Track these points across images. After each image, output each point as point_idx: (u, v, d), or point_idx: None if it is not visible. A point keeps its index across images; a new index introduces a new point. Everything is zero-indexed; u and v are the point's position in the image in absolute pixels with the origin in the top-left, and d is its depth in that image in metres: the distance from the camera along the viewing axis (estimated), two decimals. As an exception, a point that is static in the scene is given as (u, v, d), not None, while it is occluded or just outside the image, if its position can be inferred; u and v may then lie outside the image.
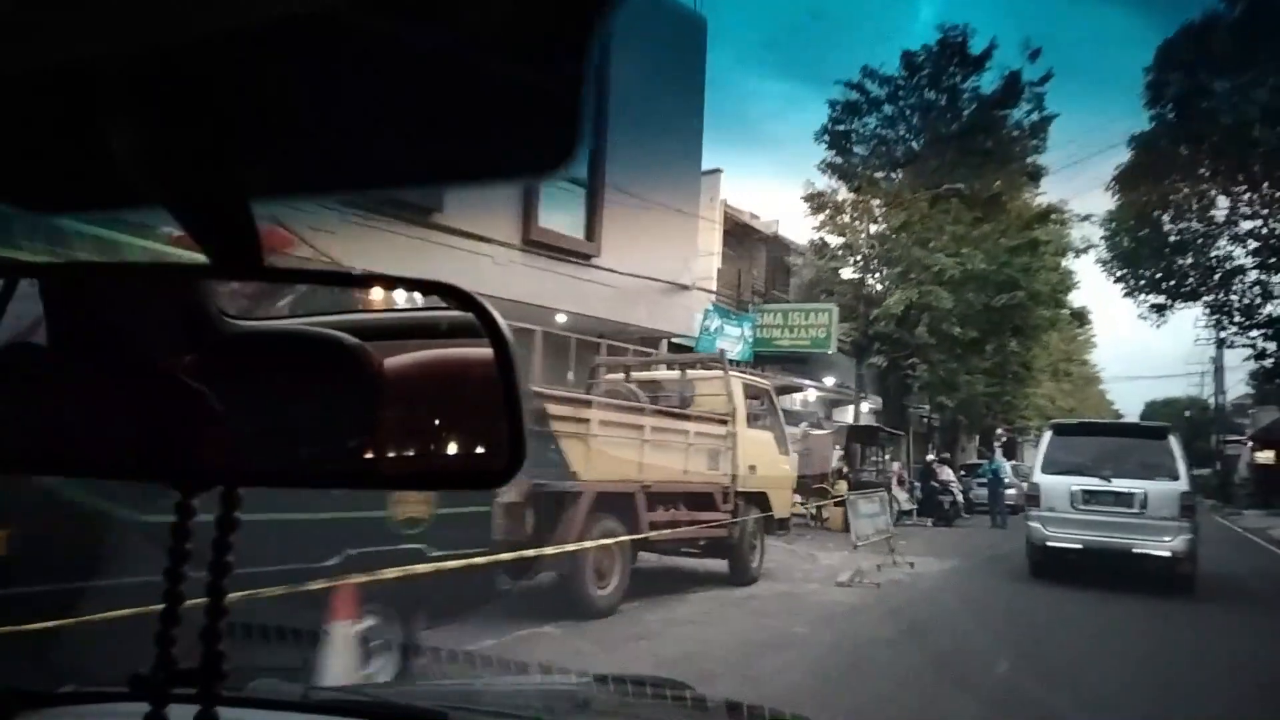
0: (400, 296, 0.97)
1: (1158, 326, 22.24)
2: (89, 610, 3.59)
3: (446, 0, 0.62)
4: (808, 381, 26.66)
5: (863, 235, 25.60)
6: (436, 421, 0.85)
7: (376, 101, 0.69)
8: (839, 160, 26.43)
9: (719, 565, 11.25)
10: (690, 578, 11.18)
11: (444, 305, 0.87)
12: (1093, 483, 11.49)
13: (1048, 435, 12.85)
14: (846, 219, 25.78)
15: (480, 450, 0.84)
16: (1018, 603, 10.79)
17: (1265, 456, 38.03)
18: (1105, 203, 27.71)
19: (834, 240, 26.22)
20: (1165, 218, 24.04)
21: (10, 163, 0.76)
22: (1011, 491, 26.70)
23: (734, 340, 20.75)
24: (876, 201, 25.63)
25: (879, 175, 26.25)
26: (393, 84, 0.66)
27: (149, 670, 0.81)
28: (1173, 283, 24.64)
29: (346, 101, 0.69)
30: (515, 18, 0.62)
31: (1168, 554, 10.85)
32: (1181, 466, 11.36)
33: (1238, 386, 50.42)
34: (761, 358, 22.83)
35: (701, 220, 18.83)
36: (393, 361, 0.83)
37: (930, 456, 26.57)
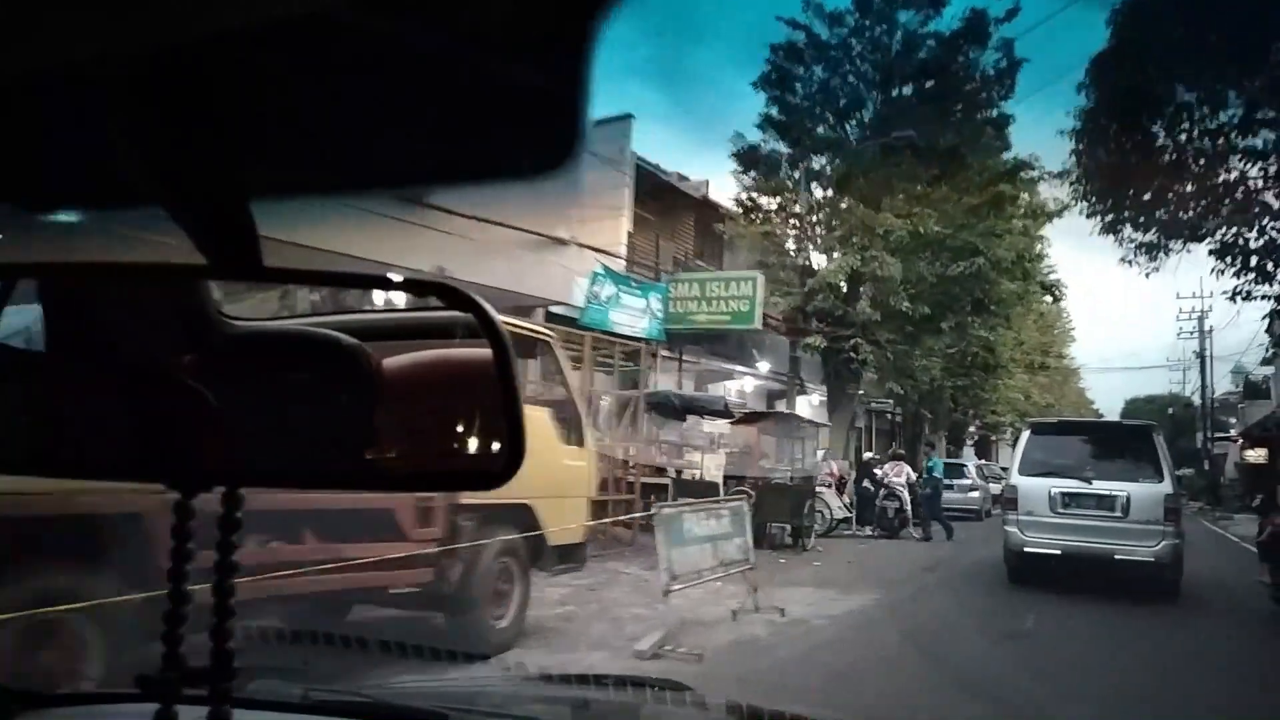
0: (399, 297, 0.97)
1: (1147, 274, 17.07)
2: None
3: (446, 0, 0.62)
4: (737, 367, 23.13)
5: (799, 194, 21.51)
6: (435, 422, 0.85)
7: (376, 102, 0.69)
8: (777, 114, 22.00)
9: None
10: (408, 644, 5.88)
11: (442, 305, 0.87)
12: (1073, 485, 10.96)
13: (1026, 434, 12.26)
14: (782, 176, 21.89)
15: (479, 450, 0.84)
16: (936, 684, 6.57)
17: (1255, 455, 34.82)
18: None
19: (768, 203, 22.24)
20: (1157, 126, 16.60)
21: (10, 163, 0.76)
22: (975, 495, 24.10)
23: (637, 313, 17.17)
24: (819, 161, 21.92)
25: (821, 127, 22.06)
26: (393, 84, 0.66)
27: (156, 671, 0.81)
28: (1166, 214, 17.18)
29: (346, 102, 0.69)
30: (515, 18, 0.62)
31: (1151, 560, 10.35)
32: (1166, 467, 10.93)
33: (1220, 383, 47.90)
34: (676, 336, 19.40)
35: (602, 170, 16.59)
36: (391, 362, 0.83)
37: (869, 454, 22.01)
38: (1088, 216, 17.29)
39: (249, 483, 0.86)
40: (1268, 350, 36.60)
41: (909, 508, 18.32)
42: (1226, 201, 16.69)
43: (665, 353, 19.39)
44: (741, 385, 24.24)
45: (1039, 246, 26.85)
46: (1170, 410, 56.11)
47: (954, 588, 11.88)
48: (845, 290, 21.17)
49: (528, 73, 0.63)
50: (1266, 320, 22.40)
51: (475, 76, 0.65)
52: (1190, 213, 17.06)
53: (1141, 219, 17.27)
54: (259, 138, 0.71)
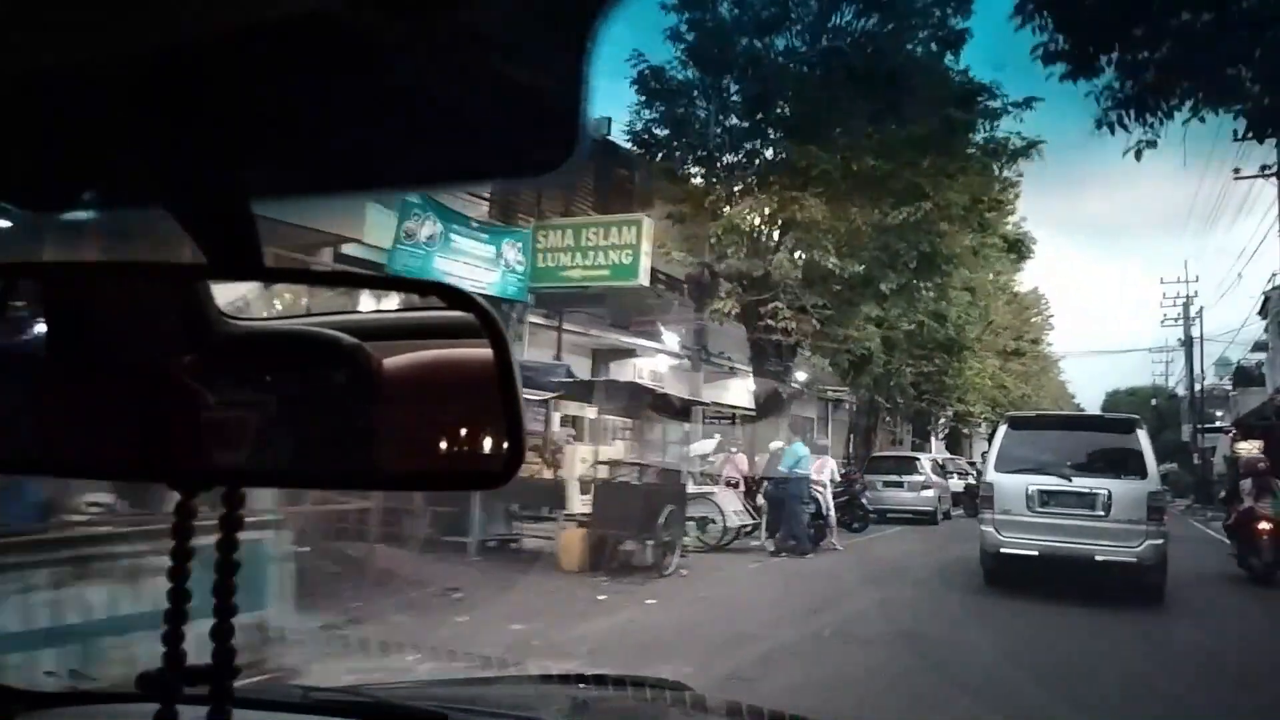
0: (399, 297, 0.98)
1: (1138, 150, 9.51)
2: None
3: (446, 0, 0.62)
4: (641, 341, 18.44)
5: (711, 124, 17.36)
6: (435, 422, 0.86)
7: (376, 101, 0.69)
8: (687, 33, 17.51)
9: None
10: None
11: (442, 305, 0.87)
12: (1051, 482, 10.42)
13: (1002, 428, 11.61)
14: (694, 101, 17.71)
15: (478, 451, 0.84)
16: None
17: (1249, 447, 31.09)
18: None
19: (674, 139, 17.95)
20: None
21: (10, 163, 0.77)
22: (929, 494, 21.02)
23: (482, 264, 13.42)
24: (735, 86, 17.63)
25: (739, 45, 17.48)
26: (393, 84, 0.67)
27: (156, 670, 0.81)
28: (1169, 50, 9.38)
29: (347, 101, 0.69)
30: (515, 18, 0.62)
31: (1133, 560, 9.89)
32: (1150, 463, 10.45)
33: (1205, 374, 44.11)
34: (549, 297, 15.31)
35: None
36: (391, 362, 0.83)
37: (777, 444, 15.85)
38: (1044, 61, 9.73)
39: (249, 483, 0.86)
40: (1266, 328, 34.55)
41: (831, 514, 14.50)
42: (1269, 35, 8.75)
43: (540, 320, 15.55)
44: (654, 365, 19.40)
45: (999, 190, 21.07)
46: (1154, 402, 54.17)
47: (827, 659, 7.02)
48: (761, 240, 17.17)
49: (528, 73, 0.63)
50: (1261, 299, 19.68)
51: (475, 77, 0.65)
52: (1209, 49, 9.16)
53: (1130, 57, 9.66)
54: (259, 138, 0.71)
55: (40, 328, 0.84)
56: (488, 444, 0.83)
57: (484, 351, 0.81)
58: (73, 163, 0.75)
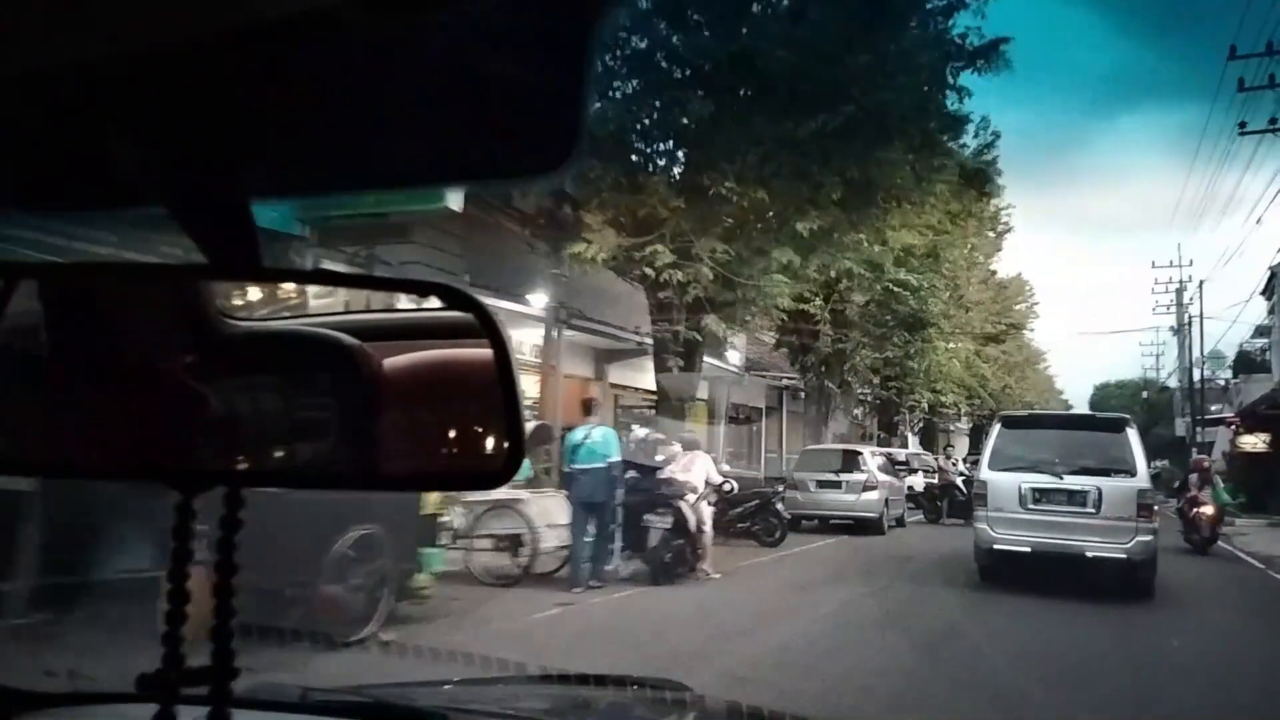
0: (399, 297, 0.98)
1: None
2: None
3: (447, 0, 0.62)
4: (505, 303, 12.39)
5: None
6: (435, 422, 0.86)
7: (376, 101, 0.69)
8: None
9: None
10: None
11: (442, 305, 0.87)
12: (1043, 480, 10.75)
13: (996, 427, 11.93)
14: None
15: (479, 450, 0.85)
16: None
17: (1252, 442, 28.30)
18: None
19: None
20: None
21: (10, 163, 0.77)
22: (873, 496, 16.82)
23: None
24: None
25: None
26: (392, 84, 0.67)
27: (156, 670, 0.81)
28: None
29: (346, 102, 0.69)
30: (515, 18, 0.62)
31: (1123, 557, 10.21)
32: (1140, 462, 10.81)
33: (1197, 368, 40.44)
34: (340, 233, 10.87)
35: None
36: (392, 362, 0.83)
37: (643, 431, 12.24)
38: None
39: (249, 483, 0.86)
40: (1271, 308, 29.56)
41: (706, 530, 10.70)
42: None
43: (343, 267, 10.67)
44: (536, 337, 14.15)
45: (951, 101, 13.79)
46: (1144, 395, 53.28)
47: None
48: (633, 159, 12.84)
49: (528, 72, 0.63)
50: (1267, 275, 19.41)
51: (475, 76, 0.65)
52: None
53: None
54: (259, 138, 0.71)
55: (40, 328, 0.84)
56: (488, 444, 0.84)
57: (484, 351, 0.81)
58: (73, 163, 0.75)
